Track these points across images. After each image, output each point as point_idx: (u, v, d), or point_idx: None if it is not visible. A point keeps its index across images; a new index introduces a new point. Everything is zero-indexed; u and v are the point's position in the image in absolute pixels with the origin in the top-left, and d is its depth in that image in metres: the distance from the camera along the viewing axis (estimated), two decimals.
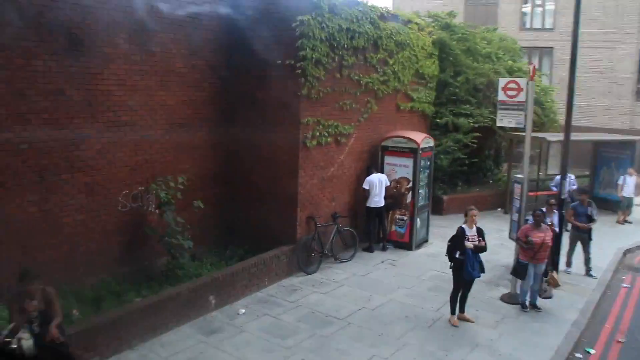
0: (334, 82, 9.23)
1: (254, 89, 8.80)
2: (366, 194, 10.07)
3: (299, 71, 8.30)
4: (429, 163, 10.91)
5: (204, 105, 8.55)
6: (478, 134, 13.62)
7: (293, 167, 8.61)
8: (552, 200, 8.62)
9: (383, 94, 10.86)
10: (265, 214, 8.86)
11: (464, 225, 6.99)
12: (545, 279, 7.63)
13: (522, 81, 7.99)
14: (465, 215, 7.04)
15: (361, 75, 10.02)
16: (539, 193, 14.14)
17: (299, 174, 8.61)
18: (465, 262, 6.79)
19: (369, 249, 10.22)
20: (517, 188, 8.70)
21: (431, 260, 9.88)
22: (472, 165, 14.45)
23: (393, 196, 10.54)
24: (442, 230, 11.53)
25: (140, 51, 7.39)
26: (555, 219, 8.59)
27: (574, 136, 16.19)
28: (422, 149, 10.39)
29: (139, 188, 7.59)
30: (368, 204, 10.12)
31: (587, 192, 9.98)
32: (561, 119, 17.00)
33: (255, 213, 8.93)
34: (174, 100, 8.01)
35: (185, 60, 8.12)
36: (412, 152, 10.31)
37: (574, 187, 12.87)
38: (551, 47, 22.24)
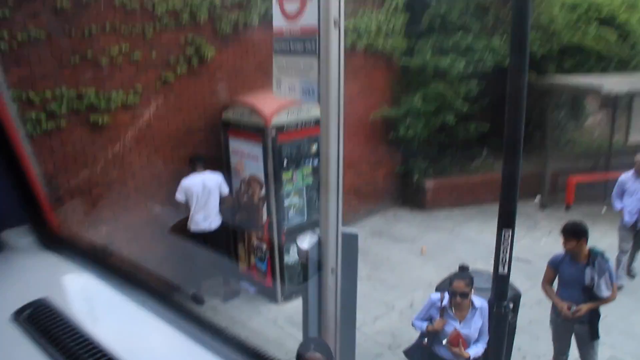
0: (52, 19, 4.89)
1: None
2: (182, 209, 5.77)
3: None
4: (308, 149, 5.98)
5: None
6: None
7: None
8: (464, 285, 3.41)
9: (243, 26, 6.15)
10: None
11: None
12: None
13: None
14: None
15: None
16: (609, 174, 8.20)
17: None
18: None
19: (198, 299, 6.04)
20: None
21: (293, 334, 5.39)
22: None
23: (247, 208, 6.06)
24: (398, 248, 6.92)
25: None
26: (470, 330, 3.44)
27: None
28: (279, 128, 5.56)
29: None
30: (189, 228, 5.83)
31: (582, 228, 3.94)
32: None
33: None
34: None
35: None
36: (259, 133, 5.58)
37: None
38: None
